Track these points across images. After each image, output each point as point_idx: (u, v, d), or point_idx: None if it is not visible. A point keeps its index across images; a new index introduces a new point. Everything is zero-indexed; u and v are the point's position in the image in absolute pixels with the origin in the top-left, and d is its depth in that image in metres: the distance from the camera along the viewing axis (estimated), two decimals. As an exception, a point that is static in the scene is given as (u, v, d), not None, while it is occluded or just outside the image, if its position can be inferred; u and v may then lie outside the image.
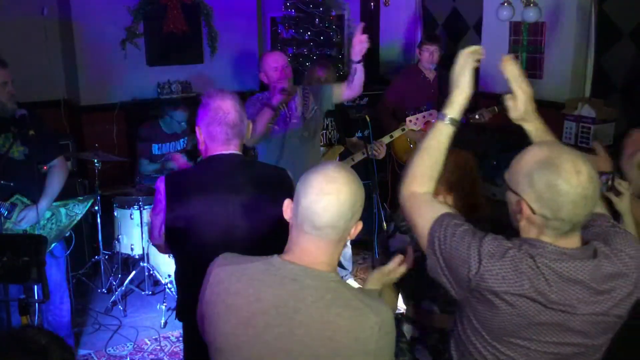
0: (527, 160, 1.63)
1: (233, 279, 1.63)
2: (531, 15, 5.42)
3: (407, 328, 2.30)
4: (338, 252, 1.65)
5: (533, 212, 1.61)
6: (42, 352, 1.86)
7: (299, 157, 3.83)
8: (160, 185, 2.34)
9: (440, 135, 1.83)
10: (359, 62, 3.67)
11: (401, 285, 2.20)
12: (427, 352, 2.26)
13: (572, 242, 1.64)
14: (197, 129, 2.40)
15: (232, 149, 2.37)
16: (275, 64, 3.80)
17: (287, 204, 1.66)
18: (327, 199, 1.56)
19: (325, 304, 1.55)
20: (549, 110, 5.43)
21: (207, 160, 2.39)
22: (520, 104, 1.88)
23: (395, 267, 1.99)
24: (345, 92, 3.90)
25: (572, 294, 1.59)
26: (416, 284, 2.18)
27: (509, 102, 1.88)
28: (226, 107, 2.33)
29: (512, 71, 1.89)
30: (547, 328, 1.62)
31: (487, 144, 5.36)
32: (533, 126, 1.93)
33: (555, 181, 1.56)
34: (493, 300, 1.61)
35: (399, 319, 2.32)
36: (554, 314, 1.60)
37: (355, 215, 1.62)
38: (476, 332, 1.71)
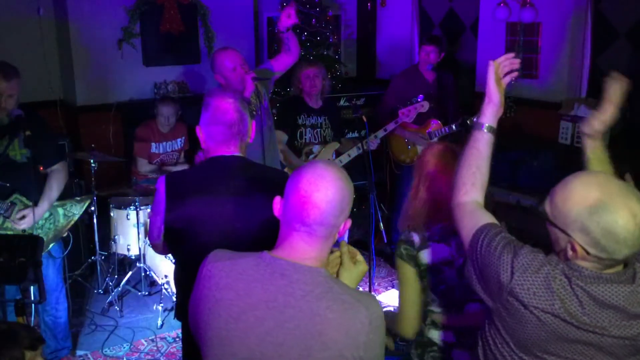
0: (576, 202, 1.58)
1: (223, 274, 1.64)
2: (527, 15, 5.44)
3: (436, 335, 2.24)
4: (327, 248, 1.66)
5: (587, 253, 1.58)
6: (8, 335, 1.88)
7: (274, 149, 3.86)
8: (160, 185, 2.34)
9: (478, 143, 1.87)
10: (287, 31, 3.82)
11: (440, 294, 2.19)
12: (468, 354, 2.22)
13: (615, 268, 1.62)
14: (197, 128, 2.40)
15: (233, 150, 2.36)
16: (232, 64, 3.61)
17: (277, 200, 1.68)
18: (315, 195, 1.57)
19: (315, 297, 1.56)
20: (545, 111, 5.46)
21: (207, 161, 2.39)
22: (603, 123, 1.89)
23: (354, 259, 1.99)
24: (286, 60, 3.97)
25: (605, 317, 1.57)
26: (460, 290, 2.15)
27: (594, 116, 1.91)
28: (225, 107, 2.33)
29: (616, 92, 1.92)
30: (576, 346, 1.61)
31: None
32: (596, 145, 1.95)
33: (613, 229, 1.53)
34: (522, 312, 1.61)
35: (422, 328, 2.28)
36: (584, 334, 1.59)
37: (344, 212, 1.63)
38: (504, 343, 1.71)
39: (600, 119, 1.93)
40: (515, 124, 5.37)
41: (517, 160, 4.97)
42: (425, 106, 4.62)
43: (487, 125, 1.88)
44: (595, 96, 5.31)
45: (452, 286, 2.16)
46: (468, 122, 4.70)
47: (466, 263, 1.77)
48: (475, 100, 6.07)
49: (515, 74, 1.94)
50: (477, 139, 1.87)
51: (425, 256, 2.18)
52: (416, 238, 2.20)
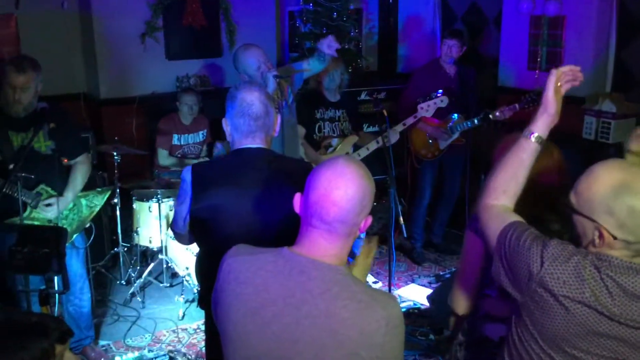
0: (601, 185, 1.59)
1: (243, 269, 1.65)
2: (552, 8, 5.37)
3: (491, 329, 2.18)
4: (347, 245, 1.65)
5: (614, 237, 1.58)
6: (39, 329, 1.90)
7: (295, 145, 3.86)
8: (187, 175, 2.36)
9: (522, 152, 1.80)
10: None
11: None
12: None
13: None
14: (223, 120, 2.41)
15: (258, 142, 2.37)
16: (256, 62, 3.59)
17: (297, 197, 1.67)
18: (335, 193, 1.56)
19: (332, 296, 1.56)
20: (569, 105, 5.38)
21: (233, 152, 2.40)
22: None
23: (366, 255, 2.00)
24: (317, 67, 4.01)
25: (635, 310, 1.55)
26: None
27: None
28: (250, 99, 2.33)
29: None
30: (605, 341, 1.60)
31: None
32: None
33: (637, 207, 1.53)
34: (552, 303, 1.59)
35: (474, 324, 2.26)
36: (614, 327, 1.57)
37: (365, 209, 1.61)
38: (532, 339, 1.70)
39: None
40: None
41: (539, 155, 4.91)
42: (444, 101, 4.59)
43: (536, 135, 1.80)
44: (619, 90, 5.24)
45: None
46: (490, 116, 4.66)
47: (493, 261, 1.74)
48: (497, 95, 6.03)
49: (577, 83, 1.86)
50: (523, 148, 1.80)
51: None
52: None
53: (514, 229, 1.69)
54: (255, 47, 3.66)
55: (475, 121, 4.78)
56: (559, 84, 1.83)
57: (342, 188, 1.56)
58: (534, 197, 1.90)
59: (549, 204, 1.99)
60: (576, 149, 4.93)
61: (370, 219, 1.66)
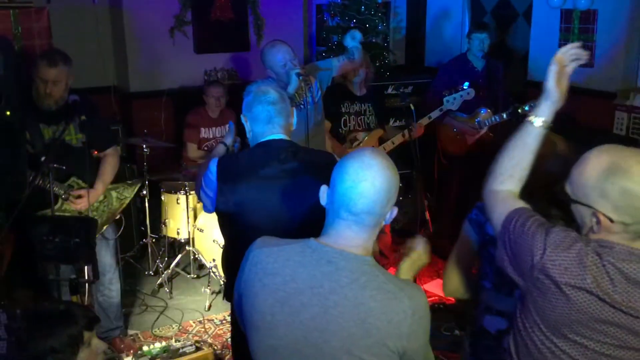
0: (591, 170, 1.59)
1: (270, 260, 1.67)
2: (583, 2, 5.29)
3: (489, 322, 2.20)
4: (373, 236, 1.67)
5: (611, 220, 1.58)
6: (66, 317, 1.94)
7: (321, 141, 3.86)
8: (213, 167, 2.40)
9: (526, 136, 1.79)
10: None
11: (495, 270, 2.13)
12: None
13: None
14: (242, 117, 2.44)
15: (278, 130, 2.40)
16: (283, 59, 3.58)
17: (323, 189, 1.70)
18: (363, 185, 1.58)
19: (360, 286, 1.58)
20: (600, 100, 5.31)
21: (257, 145, 2.43)
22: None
23: (423, 252, 2.01)
24: (348, 66, 4.06)
25: (637, 297, 1.55)
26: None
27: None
28: (265, 89, 2.40)
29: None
30: (607, 328, 1.59)
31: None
32: None
33: (630, 188, 1.53)
34: (553, 290, 1.60)
35: (475, 315, 2.27)
36: (616, 314, 1.57)
37: (391, 201, 1.64)
38: (535, 325, 1.70)
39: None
40: (568, 113, 5.24)
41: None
42: (470, 94, 4.55)
43: (539, 118, 1.78)
44: (652, 86, 5.15)
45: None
46: (519, 110, 4.60)
47: (497, 246, 1.74)
48: (527, 89, 5.95)
49: (582, 60, 1.82)
50: (528, 132, 1.79)
51: (490, 227, 2.11)
52: None
53: (519, 215, 1.69)
54: (283, 44, 3.65)
55: (504, 116, 4.73)
56: (564, 66, 1.80)
57: (369, 180, 1.58)
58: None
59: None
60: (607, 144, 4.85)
61: (395, 210, 1.68)
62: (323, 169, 2.37)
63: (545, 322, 1.67)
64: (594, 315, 1.58)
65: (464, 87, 4.55)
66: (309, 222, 2.28)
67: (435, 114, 4.58)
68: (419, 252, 2.02)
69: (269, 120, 2.38)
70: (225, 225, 2.45)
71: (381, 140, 4.68)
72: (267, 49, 3.67)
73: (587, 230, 1.65)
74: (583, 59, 1.82)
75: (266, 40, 6.29)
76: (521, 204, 1.74)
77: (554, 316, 1.63)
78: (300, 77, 3.54)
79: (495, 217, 1.76)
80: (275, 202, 2.34)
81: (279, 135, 2.40)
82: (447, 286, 2.27)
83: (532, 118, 1.79)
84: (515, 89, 5.55)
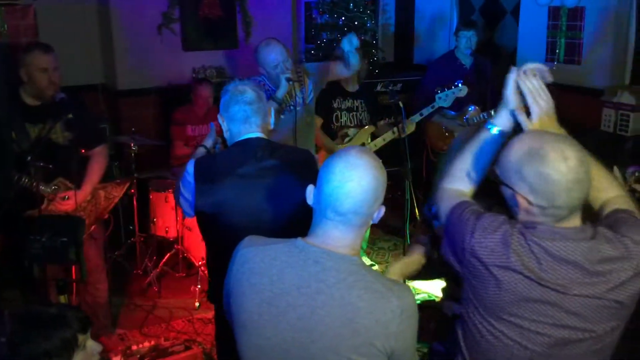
0: (513, 153, 1.66)
1: (257, 259, 1.66)
2: (570, -1, 5.31)
3: (448, 306, 2.24)
4: (361, 236, 1.67)
5: (530, 203, 1.64)
6: (59, 319, 1.93)
7: (308, 144, 3.85)
8: (190, 168, 2.39)
9: (485, 144, 1.85)
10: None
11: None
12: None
13: (569, 223, 1.66)
14: (219, 117, 2.44)
15: (254, 129, 2.39)
16: (275, 60, 3.56)
17: (309, 189, 1.68)
18: (349, 185, 1.57)
19: (347, 285, 1.58)
20: (588, 97, 5.33)
21: (234, 145, 2.42)
22: (535, 119, 1.81)
23: (418, 259, 2.02)
24: (343, 72, 4.00)
25: (564, 274, 1.60)
26: None
27: (521, 116, 1.81)
28: (242, 88, 2.39)
29: (530, 85, 1.81)
30: (539, 306, 1.64)
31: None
32: None
33: (545, 172, 1.58)
34: (483, 272, 1.65)
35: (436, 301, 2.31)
36: (545, 292, 1.62)
37: (378, 200, 1.63)
38: (474, 308, 1.75)
39: (532, 120, 1.80)
40: (556, 111, 5.27)
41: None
42: (463, 90, 4.56)
43: (497, 127, 1.85)
44: (639, 83, 5.18)
45: None
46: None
47: (442, 241, 1.81)
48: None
49: (546, 80, 1.85)
50: (484, 139, 1.86)
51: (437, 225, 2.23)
52: (434, 208, 2.21)
53: (460, 207, 1.76)
54: (277, 44, 3.62)
55: (492, 113, 4.73)
56: (522, 80, 1.83)
57: (355, 180, 1.57)
58: (488, 189, 1.96)
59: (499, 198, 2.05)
60: (594, 142, 4.86)
61: (383, 209, 1.67)
62: (301, 166, 2.38)
63: (482, 305, 1.72)
64: (524, 295, 1.63)
65: (457, 84, 4.56)
66: (292, 220, 2.29)
67: (427, 110, 4.59)
68: (414, 258, 2.03)
69: (245, 119, 2.38)
70: (206, 226, 2.43)
71: (373, 137, 4.68)
72: (261, 47, 3.65)
73: (514, 213, 1.72)
74: (546, 78, 1.85)
75: (255, 37, 6.28)
76: (466, 199, 1.81)
77: (489, 298, 1.68)
78: (290, 82, 3.52)
79: (441, 213, 1.83)
80: (254, 200, 2.34)
81: (255, 134, 2.40)
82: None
83: (490, 126, 1.85)
84: (503, 86, 5.56)
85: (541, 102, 1.80)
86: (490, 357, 1.76)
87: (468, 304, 1.78)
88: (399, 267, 2.03)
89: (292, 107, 3.64)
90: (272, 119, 2.49)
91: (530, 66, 1.84)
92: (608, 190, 1.82)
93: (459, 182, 1.86)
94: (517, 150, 1.65)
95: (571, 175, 1.57)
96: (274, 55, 3.56)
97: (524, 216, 1.68)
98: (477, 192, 1.88)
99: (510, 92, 1.84)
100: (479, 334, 1.76)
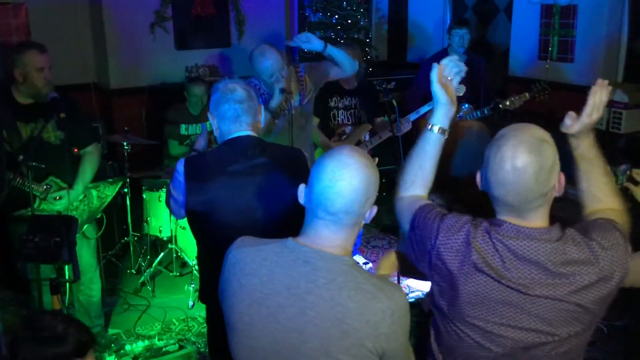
0: (496, 135, 1.69)
1: (248, 260, 1.66)
2: (563, -3, 5.33)
3: (425, 301, 2.22)
4: (353, 236, 1.66)
5: (484, 189, 1.69)
6: (57, 338, 1.95)
7: (304, 143, 3.83)
8: (180, 167, 2.38)
9: (425, 143, 1.88)
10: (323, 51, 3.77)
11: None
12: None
13: (536, 222, 1.65)
14: (209, 114, 2.43)
15: (245, 127, 2.38)
16: (271, 69, 3.47)
17: (301, 189, 1.67)
18: (340, 185, 1.56)
19: (337, 286, 1.57)
20: (580, 95, 5.35)
21: (224, 143, 2.42)
22: (578, 128, 1.81)
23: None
24: (339, 73, 3.94)
25: (526, 273, 1.60)
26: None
27: (567, 121, 1.82)
28: (232, 86, 2.38)
29: (599, 98, 1.82)
30: (502, 308, 1.64)
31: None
32: (580, 144, 1.86)
33: (495, 166, 1.62)
34: (448, 274, 1.66)
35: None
36: (507, 292, 1.62)
37: (370, 199, 1.62)
38: (441, 310, 1.76)
39: (575, 127, 1.81)
40: (549, 108, 5.28)
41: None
42: (461, 90, 4.57)
43: (435, 126, 1.87)
44: (631, 80, 5.20)
45: None
46: (500, 106, 4.63)
47: (407, 246, 1.82)
48: (508, 84, 5.99)
49: (461, 74, 1.94)
50: (426, 139, 1.88)
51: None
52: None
53: (422, 210, 1.77)
54: (272, 52, 3.50)
55: (485, 111, 4.75)
56: (445, 76, 1.90)
57: (346, 179, 1.56)
58: (442, 186, 2.00)
59: (456, 194, 2.08)
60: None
61: (375, 209, 1.67)
62: (291, 164, 2.38)
63: (448, 306, 1.72)
64: (486, 295, 1.63)
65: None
66: (283, 218, 2.28)
67: (424, 109, 4.60)
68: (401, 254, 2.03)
69: (235, 118, 2.37)
70: (197, 225, 2.42)
71: (371, 134, 4.68)
72: (255, 55, 3.54)
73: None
74: (462, 70, 1.93)
75: (248, 36, 6.28)
76: (425, 202, 1.83)
77: (453, 300, 1.69)
78: (284, 93, 3.48)
79: (404, 220, 1.84)
80: (245, 198, 2.33)
81: (246, 132, 2.39)
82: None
83: (429, 126, 1.88)
84: (496, 84, 5.58)
85: (594, 117, 1.81)
86: (457, 356, 1.78)
87: (436, 305, 1.79)
88: (390, 260, 2.03)
89: (287, 113, 3.61)
90: (262, 117, 2.48)
91: (445, 61, 1.92)
92: (604, 202, 1.80)
93: (413, 188, 1.88)
94: (494, 140, 1.67)
95: (511, 177, 1.59)
96: (269, 63, 3.47)
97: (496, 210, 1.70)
98: (433, 189, 1.91)
99: (436, 87, 1.89)
100: (446, 334, 1.78)
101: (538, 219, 1.66)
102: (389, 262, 2.15)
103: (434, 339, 1.86)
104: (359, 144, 4.55)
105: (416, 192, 1.87)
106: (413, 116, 4.60)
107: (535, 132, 1.65)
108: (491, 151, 1.64)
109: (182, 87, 5.31)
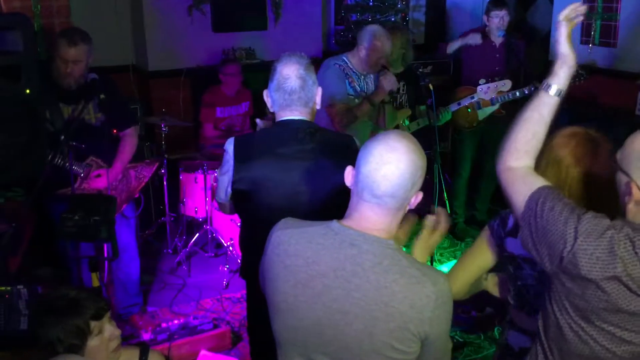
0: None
1: (292, 241, 1.67)
2: (607, -20, 5.18)
3: (512, 337, 2.15)
4: (397, 220, 1.65)
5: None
6: (73, 304, 1.99)
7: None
8: (229, 147, 2.40)
9: (542, 107, 1.72)
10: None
11: (517, 290, 2.08)
12: None
13: None
14: (265, 92, 2.43)
15: (297, 114, 2.38)
16: (388, 51, 3.86)
17: (348, 170, 1.67)
18: (386, 167, 1.56)
19: (383, 269, 1.57)
20: (623, 81, 5.21)
21: (275, 125, 2.43)
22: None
23: (434, 230, 1.98)
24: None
25: None
26: (535, 291, 2.03)
27: None
28: (287, 73, 2.34)
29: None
30: (635, 318, 1.56)
31: (556, 114, 5.21)
32: None
33: None
34: (582, 278, 1.55)
35: (503, 326, 2.21)
36: None
37: (416, 185, 1.61)
38: (563, 307, 1.66)
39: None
40: (590, 94, 5.17)
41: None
42: (507, 85, 4.54)
43: (556, 87, 1.72)
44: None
45: (528, 285, 2.05)
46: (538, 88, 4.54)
47: (520, 228, 1.67)
48: (548, 69, 5.86)
49: (581, 17, 1.80)
50: (543, 102, 1.72)
51: (510, 244, 2.05)
52: (511, 222, 2.05)
53: (545, 196, 1.62)
54: (388, 40, 3.93)
55: (517, 93, 4.67)
56: (570, 29, 1.76)
57: (393, 163, 1.56)
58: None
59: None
60: (629, 126, 4.77)
61: (421, 195, 1.66)
62: (341, 150, 2.36)
63: (573, 306, 1.63)
64: (624, 307, 1.54)
65: (499, 79, 4.57)
66: (328, 203, 2.28)
67: (465, 101, 4.56)
68: (428, 231, 1.99)
69: (286, 107, 2.37)
70: (241, 203, 2.44)
71: (409, 120, 4.67)
72: (377, 34, 3.90)
73: (623, 202, 1.59)
74: (581, 16, 1.78)
75: (284, 19, 6.26)
76: (542, 181, 1.67)
77: (583, 303, 1.59)
78: (388, 93, 3.98)
79: (516, 197, 1.68)
80: (291, 181, 2.33)
81: (299, 116, 2.39)
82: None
83: (546, 86, 1.73)
84: (537, 69, 5.46)
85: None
86: (573, 352, 1.68)
87: (554, 299, 1.69)
88: (421, 248, 1.98)
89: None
90: (318, 99, 2.46)
91: (566, 12, 1.77)
92: None
93: (525, 158, 1.71)
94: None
95: None
96: (389, 46, 3.88)
97: (632, 208, 1.56)
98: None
99: (567, 47, 1.75)
100: (563, 331, 1.68)
101: None
102: (422, 248, 2.10)
103: (543, 334, 1.76)
104: (397, 128, 4.54)
105: (527, 163, 1.71)
106: (453, 107, 4.57)
107: None
108: None
109: (218, 70, 5.34)
